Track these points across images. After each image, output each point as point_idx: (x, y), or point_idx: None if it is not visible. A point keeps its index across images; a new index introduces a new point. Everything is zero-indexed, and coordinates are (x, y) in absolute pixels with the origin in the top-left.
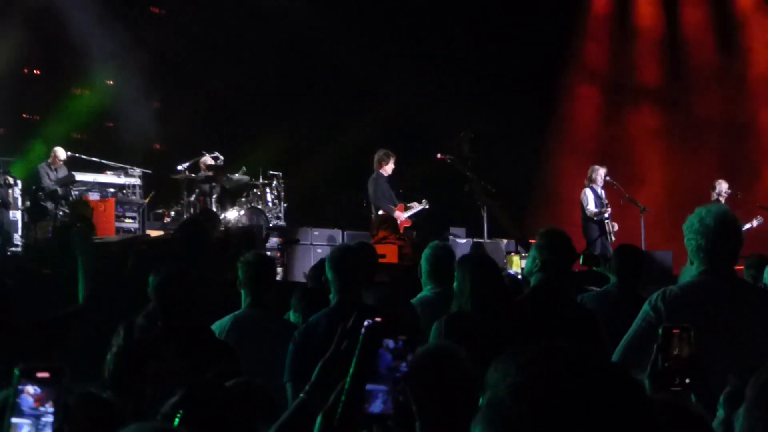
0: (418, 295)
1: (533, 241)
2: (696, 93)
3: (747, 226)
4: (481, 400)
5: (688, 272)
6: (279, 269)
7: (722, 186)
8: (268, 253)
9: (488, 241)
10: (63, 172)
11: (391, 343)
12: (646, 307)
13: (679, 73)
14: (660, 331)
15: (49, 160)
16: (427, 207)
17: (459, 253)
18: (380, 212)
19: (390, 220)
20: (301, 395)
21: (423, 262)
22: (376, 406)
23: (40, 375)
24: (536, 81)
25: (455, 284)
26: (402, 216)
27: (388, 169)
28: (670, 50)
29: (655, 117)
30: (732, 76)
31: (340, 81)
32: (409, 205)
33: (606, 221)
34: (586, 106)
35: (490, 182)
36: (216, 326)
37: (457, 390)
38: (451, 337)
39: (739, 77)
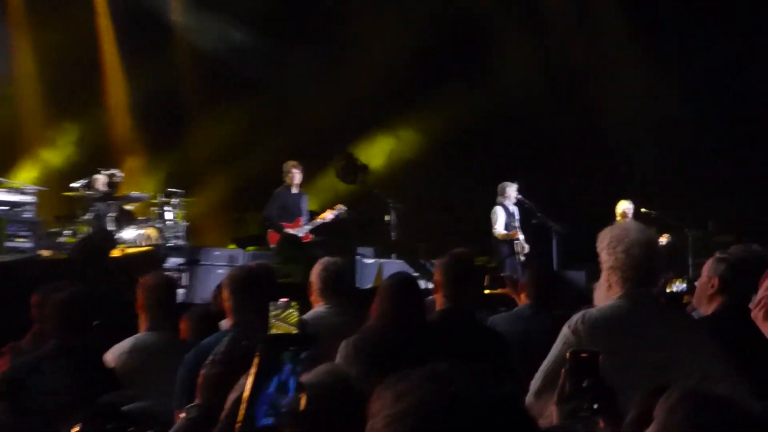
0: (311, 312)
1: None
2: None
3: None
4: None
5: (602, 292)
6: (180, 291)
7: (627, 206)
8: (167, 274)
9: (396, 261)
10: None
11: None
12: (565, 330)
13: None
14: (568, 355)
15: None
16: (342, 212)
17: (365, 274)
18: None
19: (295, 239)
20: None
21: (314, 280)
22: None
23: None
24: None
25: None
26: (291, 231)
27: (293, 181)
28: None
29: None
30: None
31: (247, 93)
32: (315, 219)
33: (516, 242)
34: None
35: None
36: (114, 349)
37: (350, 416)
38: (361, 357)
39: None
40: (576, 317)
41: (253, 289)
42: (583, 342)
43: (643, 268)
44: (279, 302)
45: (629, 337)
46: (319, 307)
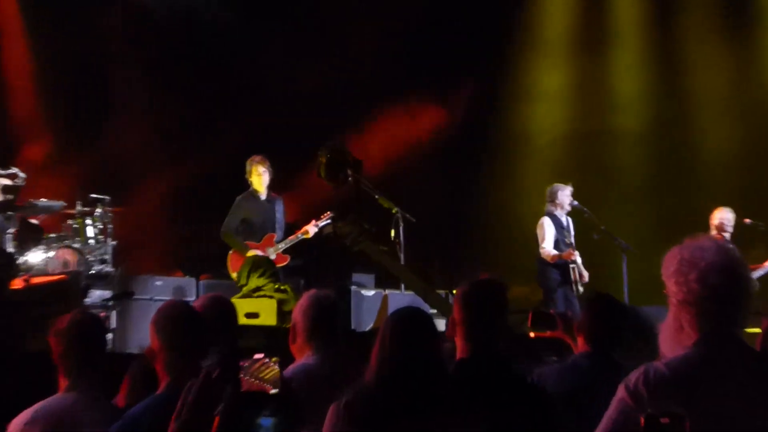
0: (295, 364)
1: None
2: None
3: (761, 272)
4: None
5: (671, 336)
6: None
7: (725, 215)
8: (92, 312)
9: (405, 293)
10: None
11: None
12: (622, 392)
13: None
14: (643, 420)
15: None
16: (330, 223)
17: (363, 310)
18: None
19: (265, 263)
20: None
21: (299, 318)
22: None
23: None
24: (475, 64)
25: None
26: (259, 252)
27: (261, 183)
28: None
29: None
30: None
31: (199, 67)
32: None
33: (571, 267)
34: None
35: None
36: (15, 422)
37: None
38: (356, 424)
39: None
40: (636, 375)
41: (198, 335)
42: (646, 409)
43: (727, 303)
44: (252, 359)
45: (713, 401)
46: (305, 359)
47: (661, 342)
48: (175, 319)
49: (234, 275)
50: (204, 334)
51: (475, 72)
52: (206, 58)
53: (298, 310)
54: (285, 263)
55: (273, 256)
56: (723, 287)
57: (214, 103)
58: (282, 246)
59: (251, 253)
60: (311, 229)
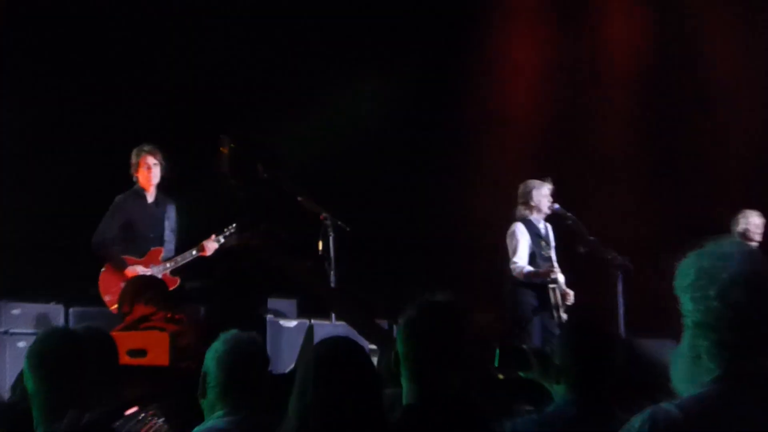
0: (203, 425)
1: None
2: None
3: None
4: None
5: (685, 367)
6: None
7: (752, 220)
8: None
9: (336, 323)
10: None
11: None
12: None
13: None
14: None
15: None
16: (233, 236)
17: (283, 345)
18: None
19: (155, 285)
20: None
21: (212, 367)
22: None
23: None
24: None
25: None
26: (142, 270)
27: (148, 181)
28: None
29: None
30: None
31: (79, 39)
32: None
33: (551, 287)
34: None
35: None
36: None
37: None
38: None
39: None
40: (641, 421)
41: (84, 372)
42: None
43: (756, 326)
44: (125, 416)
45: None
46: (215, 421)
47: (672, 375)
48: (57, 351)
49: (107, 299)
50: (91, 370)
51: (433, 41)
52: (87, 24)
53: (212, 356)
54: (175, 286)
55: (159, 276)
56: (751, 305)
57: (94, 80)
58: (169, 266)
59: (131, 271)
60: (210, 245)
